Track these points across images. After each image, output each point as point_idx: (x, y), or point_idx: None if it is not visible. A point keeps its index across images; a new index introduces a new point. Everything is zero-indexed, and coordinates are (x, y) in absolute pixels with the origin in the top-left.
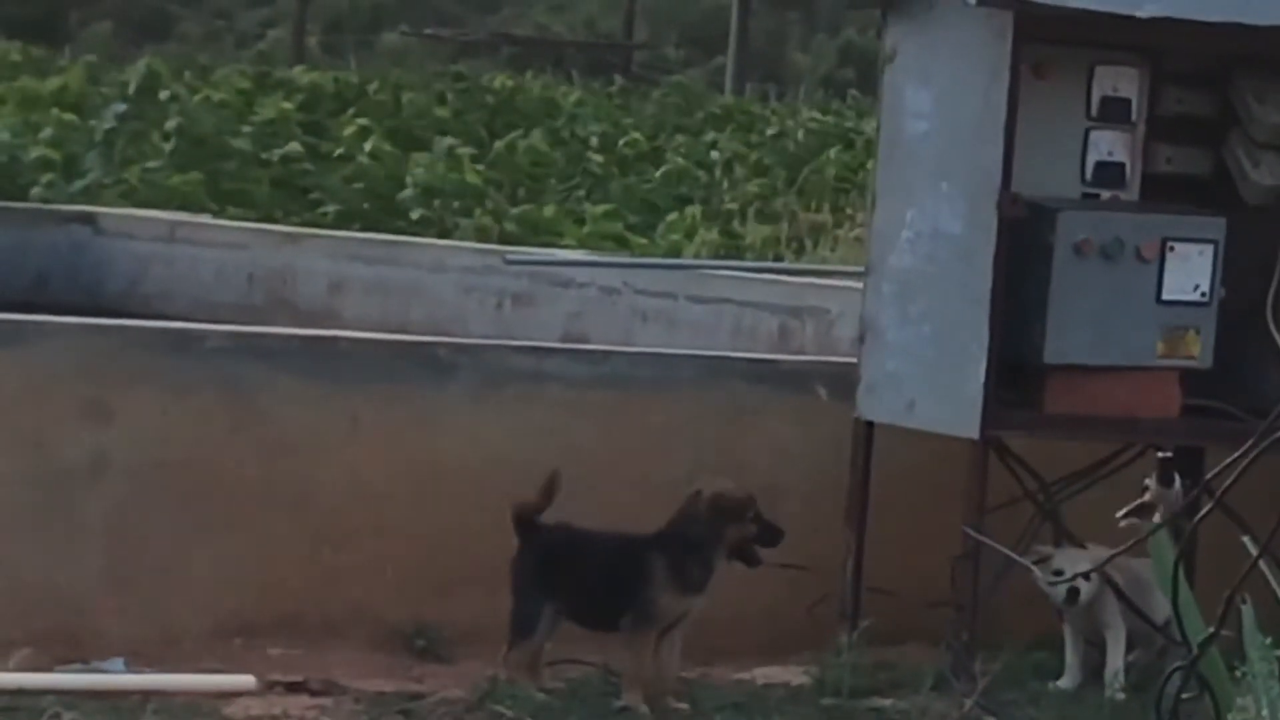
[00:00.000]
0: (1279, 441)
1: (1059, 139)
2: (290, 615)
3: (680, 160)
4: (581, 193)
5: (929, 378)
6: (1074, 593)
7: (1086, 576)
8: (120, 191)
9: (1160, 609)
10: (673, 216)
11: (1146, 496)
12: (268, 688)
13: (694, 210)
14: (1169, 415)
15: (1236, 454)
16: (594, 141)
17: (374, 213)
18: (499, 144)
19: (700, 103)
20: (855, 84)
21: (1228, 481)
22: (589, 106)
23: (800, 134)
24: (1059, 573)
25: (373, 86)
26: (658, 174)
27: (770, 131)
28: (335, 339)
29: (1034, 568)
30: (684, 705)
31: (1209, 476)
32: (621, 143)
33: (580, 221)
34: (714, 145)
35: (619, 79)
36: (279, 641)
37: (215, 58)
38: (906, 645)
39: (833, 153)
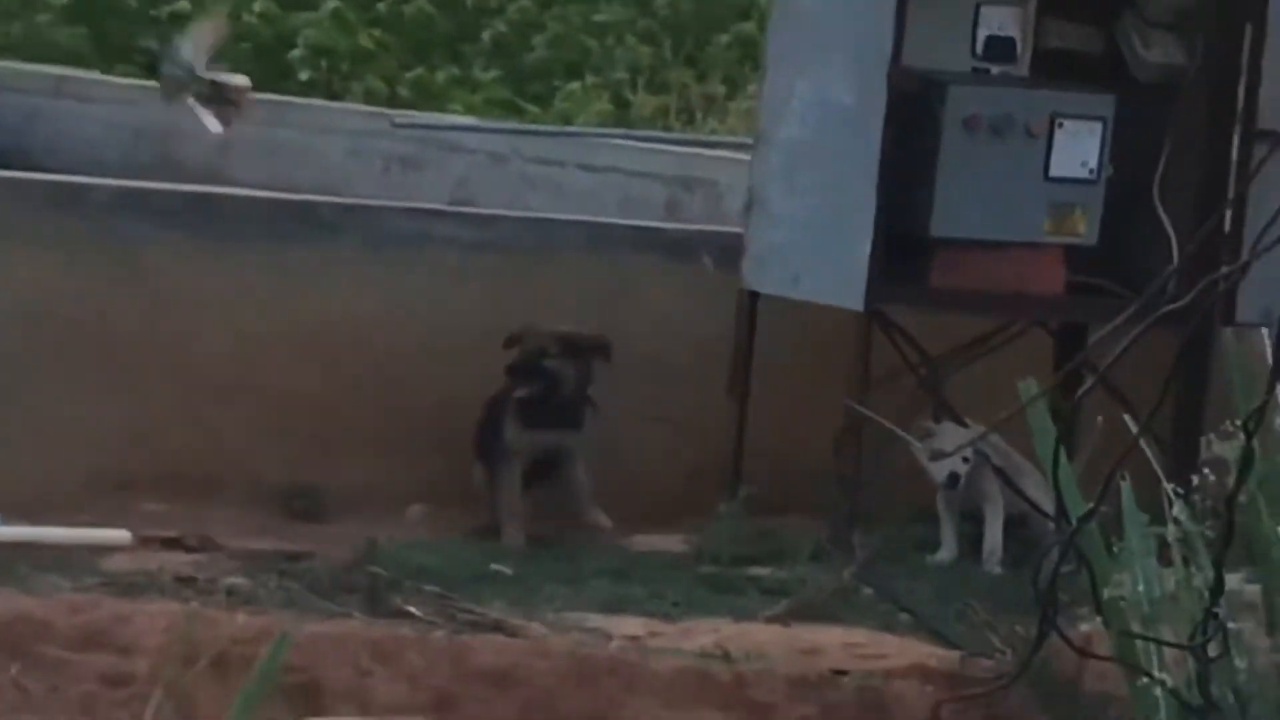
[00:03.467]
0: (1160, 318)
1: (950, 13)
2: (169, 472)
3: (570, 28)
4: (472, 59)
5: (815, 249)
6: (954, 477)
7: (965, 459)
8: (4, 44)
9: (1030, 488)
10: (563, 85)
11: None
12: (144, 543)
13: (584, 79)
14: (1054, 292)
15: (1112, 324)
16: (485, 6)
17: (262, 73)
18: (382, 5)
19: None
20: None
21: (1110, 358)
22: None
23: (691, 3)
24: (939, 451)
25: None
26: (547, 41)
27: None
28: (220, 197)
29: (914, 443)
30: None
31: (1087, 348)
32: (513, 9)
33: (471, 88)
34: (605, 14)
35: None
36: (156, 498)
37: None
38: (787, 516)
39: (725, 24)
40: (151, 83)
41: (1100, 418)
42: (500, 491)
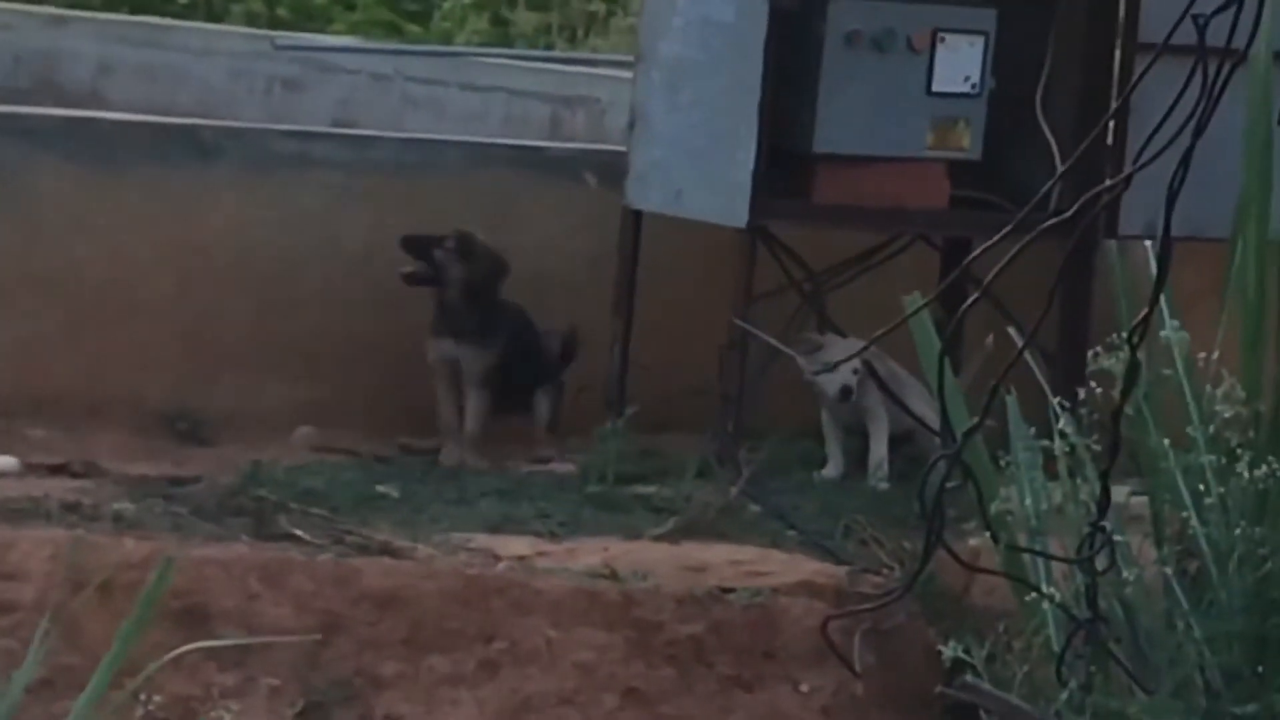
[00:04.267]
0: (1044, 231)
1: None
2: (51, 397)
3: None
4: None
5: (698, 166)
6: (847, 390)
7: (855, 371)
8: None
9: (915, 403)
10: (444, 4)
11: None
12: (28, 470)
13: None
14: (938, 206)
15: (996, 238)
16: None
17: None
18: None
19: None
20: None
21: (994, 271)
22: None
23: None
24: (828, 365)
25: None
26: None
27: None
28: (99, 120)
29: (801, 358)
30: (472, 462)
31: (969, 259)
32: None
33: (351, 7)
34: None
35: None
36: (40, 424)
37: None
38: (672, 434)
39: None
40: (27, 7)
41: (991, 335)
42: (438, 405)
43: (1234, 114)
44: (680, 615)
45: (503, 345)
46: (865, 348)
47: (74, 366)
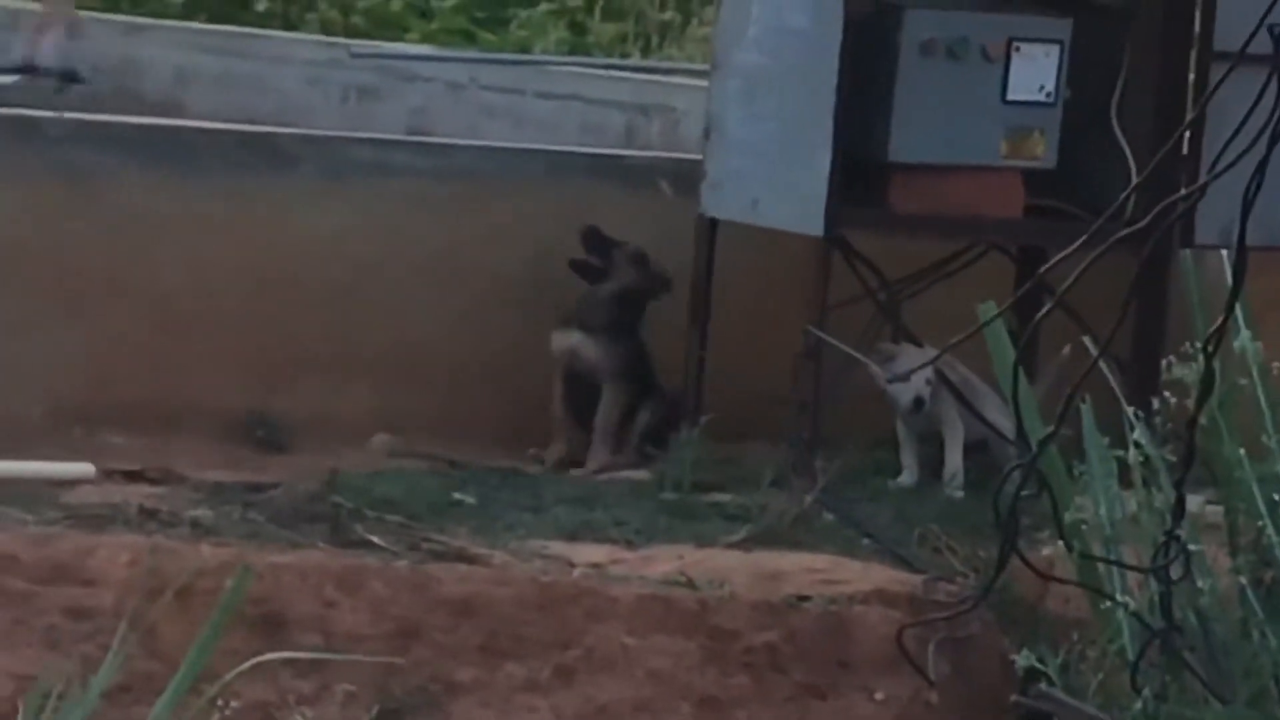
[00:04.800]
0: (1119, 240)
1: None
2: (130, 404)
3: None
4: None
5: (773, 175)
6: (919, 401)
7: (928, 381)
8: None
9: (989, 412)
10: (520, 12)
11: None
12: (106, 476)
13: (542, 6)
14: (1012, 215)
15: (1070, 249)
16: None
17: (220, 3)
18: None
19: None
20: None
21: (1069, 280)
22: None
23: None
24: (901, 375)
25: None
26: None
27: None
28: (179, 128)
29: (874, 367)
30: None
31: (1044, 268)
32: None
33: (427, 15)
34: None
35: None
36: (118, 430)
37: None
38: (748, 442)
39: None
40: (106, 15)
41: (1068, 347)
42: (550, 403)
43: None
44: (755, 623)
45: (632, 347)
46: (936, 358)
47: (152, 373)
